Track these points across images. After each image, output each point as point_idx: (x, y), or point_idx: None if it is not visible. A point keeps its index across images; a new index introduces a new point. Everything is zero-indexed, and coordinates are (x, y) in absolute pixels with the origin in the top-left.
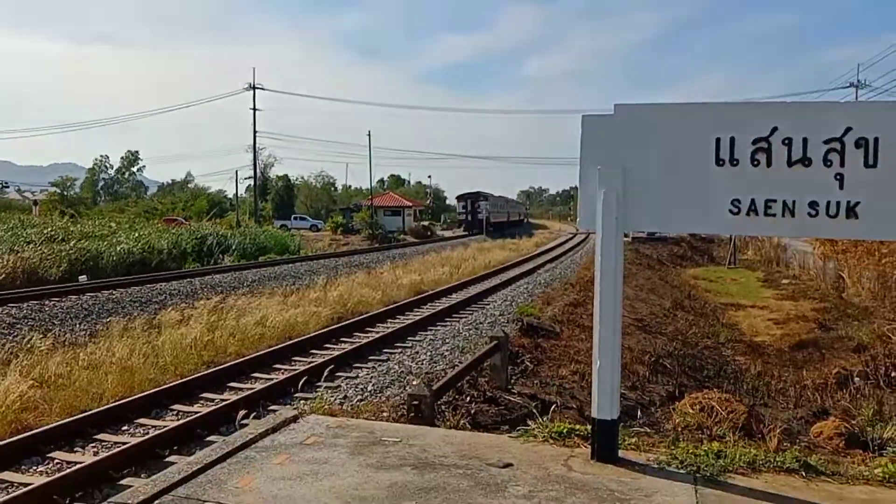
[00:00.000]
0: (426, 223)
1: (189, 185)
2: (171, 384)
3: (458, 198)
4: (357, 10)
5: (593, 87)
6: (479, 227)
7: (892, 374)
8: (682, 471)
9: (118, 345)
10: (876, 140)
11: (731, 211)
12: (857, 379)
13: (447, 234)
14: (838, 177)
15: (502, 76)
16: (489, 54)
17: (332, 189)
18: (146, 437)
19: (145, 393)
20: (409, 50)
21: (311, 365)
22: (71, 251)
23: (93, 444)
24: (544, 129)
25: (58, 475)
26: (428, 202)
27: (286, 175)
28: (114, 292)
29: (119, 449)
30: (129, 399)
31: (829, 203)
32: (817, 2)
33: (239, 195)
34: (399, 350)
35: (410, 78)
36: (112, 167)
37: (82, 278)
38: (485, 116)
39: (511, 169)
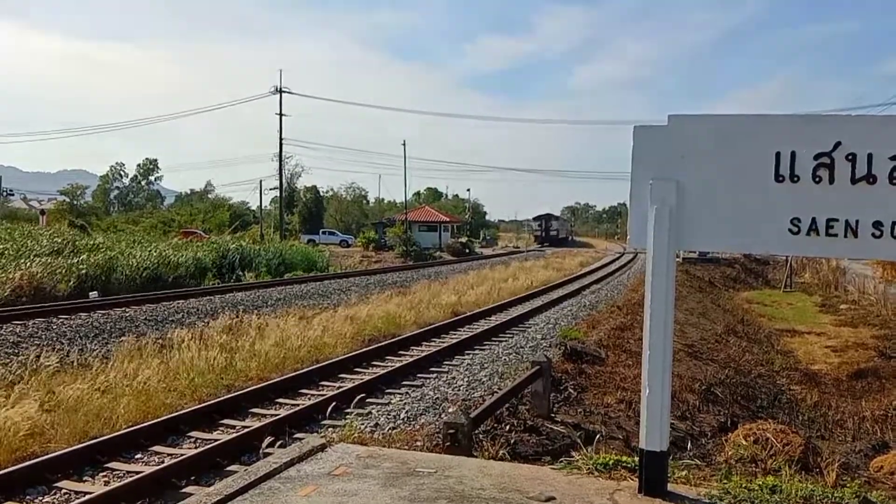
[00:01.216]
0: (464, 240)
1: (209, 196)
2: (189, 409)
3: (535, 218)
4: (392, 9)
5: (644, 95)
6: (551, 241)
7: None
8: None
9: (131, 366)
10: None
11: (790, 230)
12: None
13: (486, 251)
14: None
15: (547, 83)
16: (533, 60)
17: (364, 202)
18: (161, 465)
19: (161, 418)
20: (448, 53)
21: (340, 390)
22: (80, 265)
23: (104, 473)
24: (591, 140)
25: None
26: (467, 217)
27: (314, 186)
28: (127, 310)
29: (132, 479)
30: (144, 425)
31: (894, 224)
32: (882, 8)
33: (263, 207)
34: (434, 375)
35: (449, 83)
36: (127, 175)
37: (93, 294)
38: (529, 126)
39: (555, 183)
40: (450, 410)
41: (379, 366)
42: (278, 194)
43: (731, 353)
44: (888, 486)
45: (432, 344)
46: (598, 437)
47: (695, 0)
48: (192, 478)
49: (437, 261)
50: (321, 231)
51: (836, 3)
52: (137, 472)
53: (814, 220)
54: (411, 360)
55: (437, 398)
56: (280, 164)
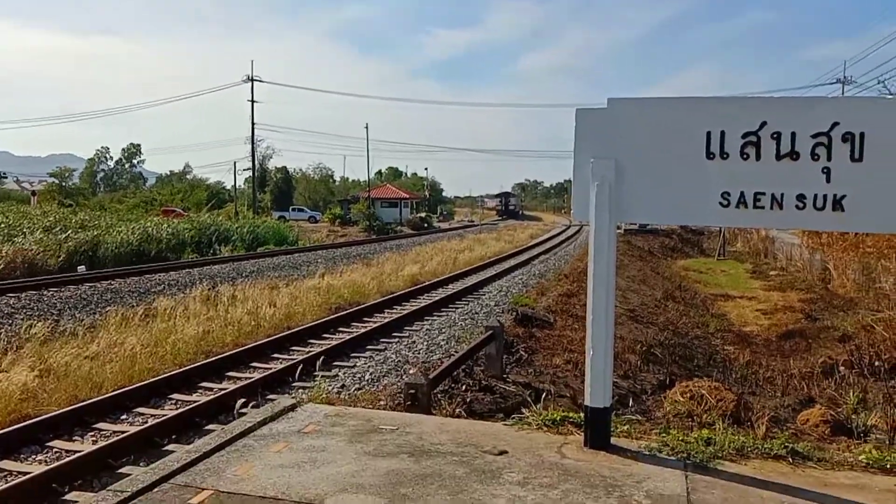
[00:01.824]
0: (423, 215)
1: (188, 177)
2: (170, 373)
3: (498, 195)
4: (356, 3)
5: (585, 81)
6: (510, 215)
7: (876, 364)
8: (672, 457)
9: (117, 334)
10: (862, 135)
11: (721, 203)
12: (842, 368)
13: (444, 225)
14: (825, 170)
15: (497, 71)
16: (483, 49)
17: (331, 181)
18: (145, 425)
19: (144, 382)
20: (406, 44)
21: (309, 354)
22: (69, 242)
23: (92, 433)
24: (537, 123)
25: (57, 464)
26: (425, 194)
27: (285, 167)
28: (112, 282)
29: (118, 438)
30: (129, 388)
31: (816, 196)
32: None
33: (237, 187)
34: (396, 340)
35: (407, 72)
36: (112, 158)
37: (81, 269)
38: (479, 110)
39: (505, 162)
40: (410, 372)
41: (345, 332)
42: (251, 174)
43: (669, 316)
44: (813, 438)
45: (394, 311)
46: (546, 395)
47: None
48: (174, 436)
49: (398, 234)
50: (291, 208)
51: None
52: (123, 432)
53: (742, 193)
54: (375, 326)
55: (399, 361)
56: (252, 147)
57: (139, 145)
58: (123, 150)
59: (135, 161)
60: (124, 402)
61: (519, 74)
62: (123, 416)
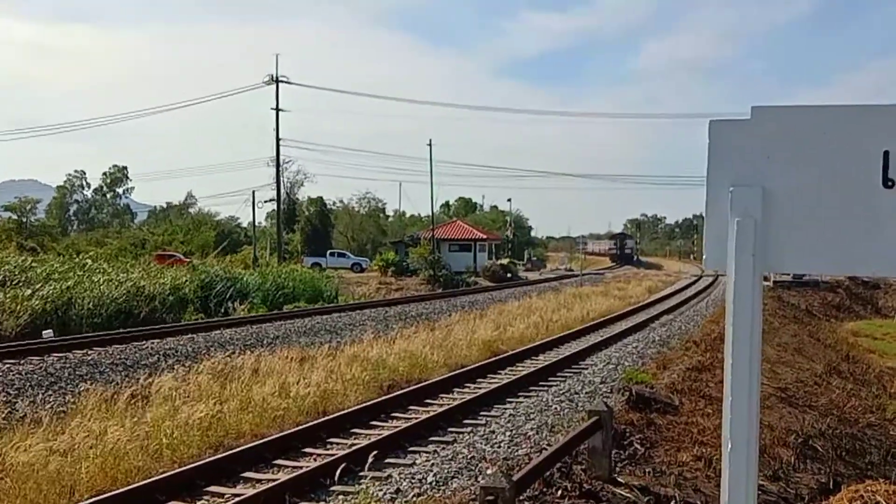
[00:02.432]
0: (505, 261)
1: (190, 210)
2: (167, 474)
3: (610, 237)
4: None
5: (727, 80)
6: (626, 261)
7: None
8: None
9: (95, 422)
10: None
11: None
12: None
13: (532, 275)
14: None
15: (607, 69)
16: (590, 39)
17: (381, 216)
18: None
19: (132, 486)
20: (484, 33)
21: (353, 448)
22: (32, 300)
23: None
24: (659, 139)
25: None
26: (507, 233)
27: (320, 198)
28: (89, 352)
29: None
30: (111, 494)
31: None
32: None
33: (257, 224)
34: (469, 428)
35: (486, 71)
36: (89, 186)
37: (47, 334)
38: (583, 122)
39: (616, 191)
40: (488, 472)
41: (400, 418)
42: (276, 207)
43: (833, 397)
44: None
45: (466, 390)
46: (669, 502)
47: None
48: None
49: (471, 288)
50: (329, 252)
51: None
52: None
53: None
54: (441, 410)
55: (473, 457)
56: (277, 171)
57: (125, 168)
58: (105, 174)
59: (120, 190)
60: None
61: (639, 73)
62: None
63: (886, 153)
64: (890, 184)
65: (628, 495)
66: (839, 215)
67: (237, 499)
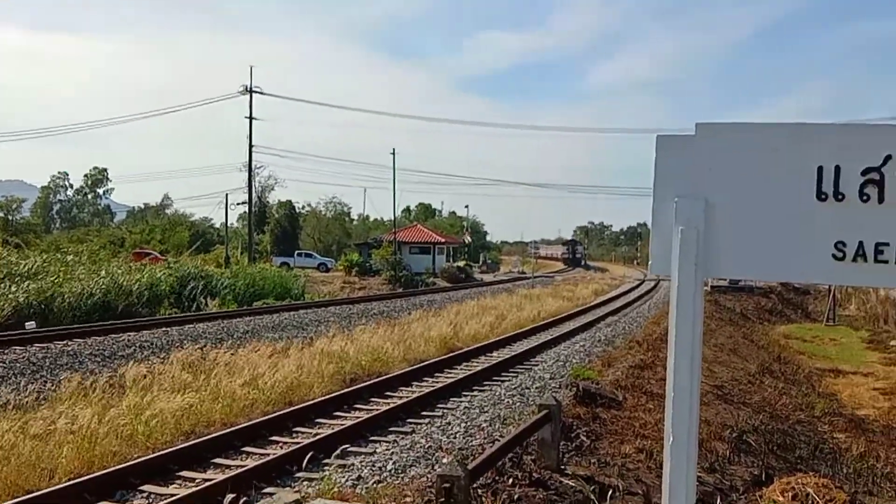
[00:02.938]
0: (462, 264)
1: (167, 211)
2: (141, 459)
3: (563, 242)
4: (377, 1)
5: (672, 99)
6: (576, 264)
7: None
8: None
9: (74, 409)
10: None
11: (834, 256)
12: None
13: (487, 277)
14: None
15: (560, 86)
16: (541, 59)
17: (347, 219)
18: None
19: (108, 470)
20: (447, 50)
21: (318, 437)
22: (16, 292)
23: None
24: (607, 152)
25: None
26: (464, 238)
27: (289, 201)
28: (69, 343)
29: None
30: (88, 477)
31: None
32: None
33: (229, 225)
34: (427, 420)
35: (447, 85)
36: (71, 187)
37: (30, 325)
38: (536, 135)
39: (565, 200)
40: (444, 461)
41: (362, 409)
42: (247, 210)
43: (766, 395)
44: None
45: (424, 384)
46: (614, 492)
47: None
48: None
49: (430, 288)
50: (297, 253)
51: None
52: None
53: (861, 244)
54: (400, 402)
55: (430, 447)
56: (250, 176)
57: (105, 170)
58: (86, 176)
59: (100, 190)
60: (82, 495)
61: (587, 91)
62: None
63: (820, 168)
64: (823, 197)
65: (575, 484)
66: (776, 226)
67: (207, 483)
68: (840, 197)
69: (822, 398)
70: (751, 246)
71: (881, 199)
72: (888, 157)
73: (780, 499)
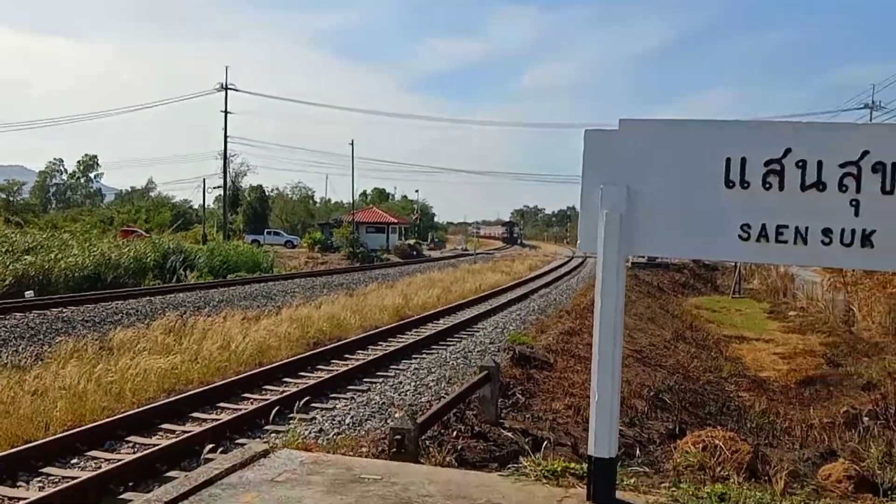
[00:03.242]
0: (412, 242)
1: (151, 194)
2: (127, 413)
3: (502, 224)
4: (339, 10)
5: (595, 99)
6: (513, 243)
7: None
8: None
9: (68, 368)
10: (894, 165)
11: (740, 237)
12: (866, 418)
13: (435, 254)
14: (854, 203)
15: (499, 86)
16: (484, 62)
17: (311, 202)
18: (98, 471)
19: (98, 422)
20: (398, 55)
21: (284, 394)
22: (17, 264)
23: (38, 479)
24: (541, 144)
25: None
26: (415, 219)
27: (260, 186)
28: (64, 310)
29: (67, 484)
30: (80, 429)
31: (843, 231)
32: (830, 19)
33: (206, 206)
34: (381, 379)
35: (397, 85)
36: (66, 171)
37: (29, 294)
38: (478, 129)
39: (504, 186)
40: (396, 416)
41: (324, 369)
42: (222, 193)
43: (679, 359)
44: (836, 495)
45: (379, 347)
46: (546, 443)
47: (647, 7)
48: (131, 484)
49: (384, 263)
50: (266, 231)
51: (788, 13)
52: (73, 478)
53: (764, 226)
54: (357, 363)
55: (384, 403)
56: (224, 163)
57: (96, 157)
58: (79, 162)
59: (92, 175)
60: (75, 445)
61: (523, 90)
62: (74, 461)
63: (728, 160)
64: (731, 185)
65: (511, 436)
66: (689, 210)
67: (186, 435)
68: (745, 185)
69: (729, 362)
70: (667, 227)
71: (781, 187)
72: (787, 150)
73: (692, 450)
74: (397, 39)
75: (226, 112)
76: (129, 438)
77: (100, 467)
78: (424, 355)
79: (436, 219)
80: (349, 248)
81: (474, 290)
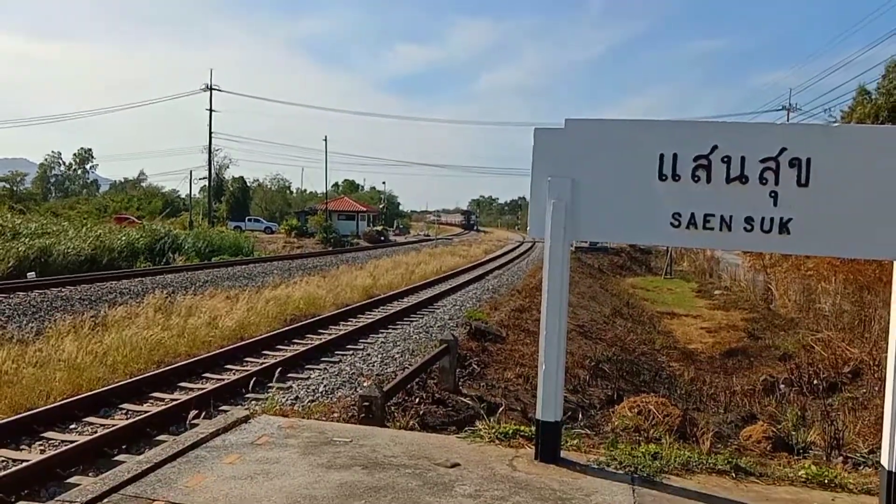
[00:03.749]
0: (380, 228)
1: (142, 184)
2: (121, 383)
3: (461, 212)
4: (314, 18)
5: (543, 101)
6: (471, 228)
7: (815, 382)
8: (620, 471)
9: (66, 342)
10: (808, 161)
11: (672, 224)
12: (782, 386)
13: (400, 239)
14: (773, 194)
15: (457, 89)
16: (444, 67)
17: (288, 192)
18: (94, 435)
19: (94, 391)
20: (367, 59)
21: (263, 366)
22: (20, 247)
23: (40, 443)
24: (495, 141)
25: (3, 472)
26: (382, 207)
27: (242, 177)
28: (63, 290)
29: (67, 447)
30: (78, 397)
31: (763, 219)
32: (751, 27)
33: (193, 195)
34: (351, 352)
35: (368, 87)
36: (64, 163)
37: (31, 275)
38: (439, 126)
39: (462, 178)
40: (365, 384)
41: (300, 343)
42: (207, 184)
43: (617, 333)
44: (755, 453)
45: (349, 323)
46: (499, 408)
47: (589, 18)
48: (124, 447)
49: (354, 247)
50: (247, 218)
51: (715, 24)
52: (72, 442)
53: (692, 214)
54: (330, 338)
55: (353, 373)
56: (209, 156)
57: (90, 150)
58: (75, 155)
59: (87, 166)
60: (73, 411)
61: (478, 93)
62: (72, 426)
63: (662, 155)
64: (663, 178)
65: (468, 402)
66: (627, 200)
67: (174, 402)
68: (676, 178)
69: (661, 335)
70: (607, 215)
71: (708, 180)
72: (714, 147)
73: (629, 413)
74: (367, 45)
75: (210, 110)
76: (122, 406)
77: (96, 432)
78: (390, 330)
79: (401, 207)
80: (323, 234)
81: (435, 272)
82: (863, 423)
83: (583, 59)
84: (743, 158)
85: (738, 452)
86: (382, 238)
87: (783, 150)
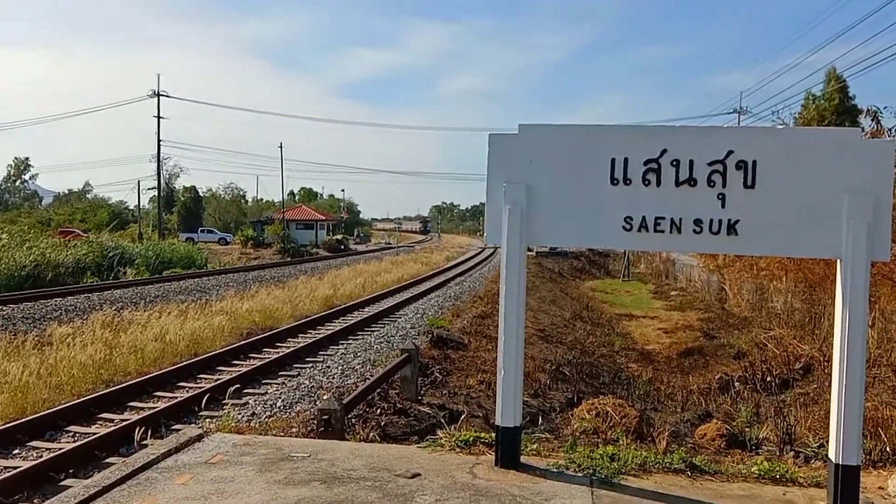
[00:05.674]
0: (340, 237)
1: (88, 196)
2: (68, 404)
3: (419, 219)
4: (268, 19)
5: (502, 105)
6: (427, 233)
7: (768, 379)
8: (579, 474)
9: (7, 363)
10: (754, 163)
11: (624, 227)
12: (737, 383)
13: (361, 247)
14: (720, 197)
15: (416, 94)
16: (403, 71)
17: (243, 202)
18: (39, 460)
19: (39, 414)
20: (324, 63)
21: (218, 382)
22: None
23: None
24: (455, 146)
25: None
26: (342, 215)
27: (193, 186)
28: (3, 308)
29: (9, 474)
30: (21, 421)
31: (712, 221)
32: (705, 33)
33: (142, 206)
34: (310, 365)
35: (325, 92)
36: None
37: None
38: (398, 132)
39: (423, 184)
40: (324, 397)
41: (256, 358)
42: (157, 194)
43: (577, 336)
44: (710, 451)
45: (308, 335)
46: (461, 416)
47: (546, 23)
48: (71, 471)
49: (313, 257)
50: (200, 230)
51: (666, 30)
52: (15, 468)
53: (644, 218)
54: (288, 351)
55: (313, 386)
56: (158, 165)
57: (27, 159)
58: (9, 165)
59: (26, 177)
60: (16, 436)
61: (438, 97)
62: (16, 451)
63: (613, 160)
64: (615, 182)
65: (429, 411)
66: (580, 204)
67: (124, 423)
68: (628, 182)
69: (620, 337)
70: (562, 220)
71: (658, 184)
72: (664, 151)
73: (587, 416)
74: (322, 49)
75: (158, 117)
76: (69, 428)
77: (41, 456)
78: (351, 341)
79: (361, 215)
80: (280, 244)
81: (397, 280)
82: (813, 417)
83: (538, 65)
84: (691, 162)
85: (694, 451)
86: (343, 247)
87: (730, 152)
